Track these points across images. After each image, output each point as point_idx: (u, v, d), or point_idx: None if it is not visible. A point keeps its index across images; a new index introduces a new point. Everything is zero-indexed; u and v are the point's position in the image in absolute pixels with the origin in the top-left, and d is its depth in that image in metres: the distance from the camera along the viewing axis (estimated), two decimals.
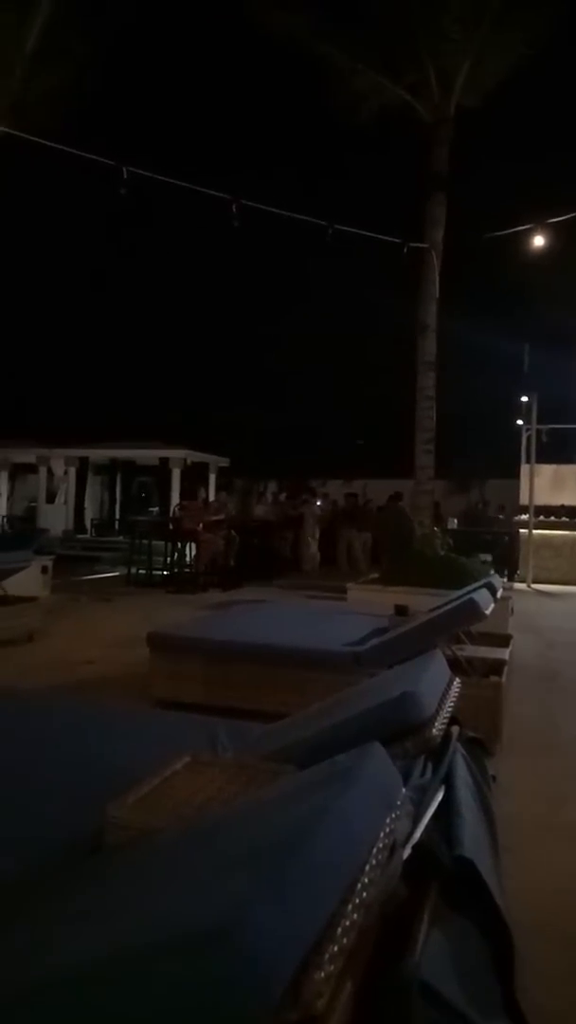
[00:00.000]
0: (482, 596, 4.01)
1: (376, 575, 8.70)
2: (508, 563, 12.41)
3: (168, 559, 11.58)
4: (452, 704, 2.19)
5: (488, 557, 10.46)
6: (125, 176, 8.38)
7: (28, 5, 9.70)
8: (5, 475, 19.21)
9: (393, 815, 1.30)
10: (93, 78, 10.48)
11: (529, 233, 10.49)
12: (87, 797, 1.85)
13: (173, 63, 15.22)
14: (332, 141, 16.38)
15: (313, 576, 11.91)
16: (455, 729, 2.13)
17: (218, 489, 18.28)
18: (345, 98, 10.98)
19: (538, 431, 13.16)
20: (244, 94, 17.38)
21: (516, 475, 14.34)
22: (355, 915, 1.03)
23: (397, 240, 10.27)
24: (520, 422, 14.31)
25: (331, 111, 11.24)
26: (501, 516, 15.23)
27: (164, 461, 17.72)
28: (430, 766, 1.91)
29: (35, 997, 0.90)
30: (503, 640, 5.01)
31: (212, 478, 18.81)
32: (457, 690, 2.31)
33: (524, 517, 12.99)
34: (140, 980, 0.82)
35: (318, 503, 14.53)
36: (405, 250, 10.30)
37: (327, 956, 0.93)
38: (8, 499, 19.35)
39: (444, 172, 10.72)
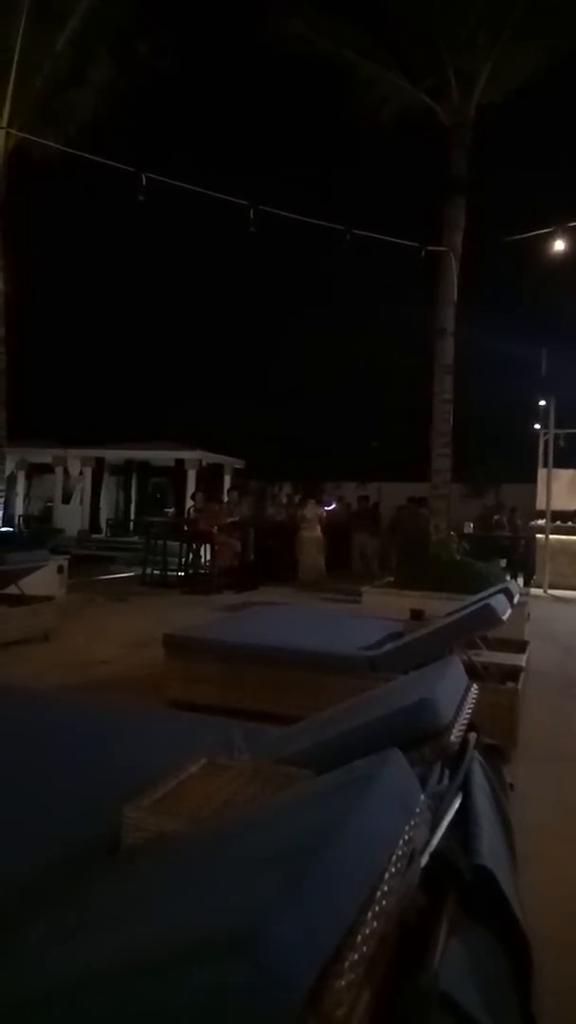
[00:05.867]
0: (499, 601, 3.99)
1: (391, 579, 8.66)
2: (524, 568, 12.31)
3: (183, 560, 11.62)
4: (470, 710, 2.17)
5: (503, 562, 10.37)
6: (144, 182, 8.42)
7: (54, 19, 9.82)
8: (22, 475, 19.32)
9: (412, 822, 1.29)
10: (116, 87, 10.59)
11: (549, 237, 10.43)
12: (103, 798, 1.85)
13: (193, 69, 15.29)
14: (352, 144, 16.39)
15: (316, 585, 11.74)
16: (472, 736, 2.11)
17: (233, 490, 18.30)
18: (365, 102, 10.98)
19: (556, 435, 13.09)
20: (263, 98, 17.44)
21: (533, 480, 14.26)
22: (375, 923, 1.02)
23: (415, 244, 10.24)
24: (537, 426, 14.22)
25: (351, 114, 11.25)
26: (497, 517, 15.01)
27: (179, 462, 17.77)
28: (447, 773, 1.89)
29: (40, 1004, 0.88)
30: (520, 646, 4.97)
31: (227, 479, 18.84)
32: (475, 696, 2.29)
33: (541, 522, 12.90)
34: (156, 988, 0.79)
35: (327, 508, 14.37)
36: (423, 254, 10.28)
37: (347, 964, 0.92)
38: (24, 499, 19.47)
39: (463, 175, 10.67)
